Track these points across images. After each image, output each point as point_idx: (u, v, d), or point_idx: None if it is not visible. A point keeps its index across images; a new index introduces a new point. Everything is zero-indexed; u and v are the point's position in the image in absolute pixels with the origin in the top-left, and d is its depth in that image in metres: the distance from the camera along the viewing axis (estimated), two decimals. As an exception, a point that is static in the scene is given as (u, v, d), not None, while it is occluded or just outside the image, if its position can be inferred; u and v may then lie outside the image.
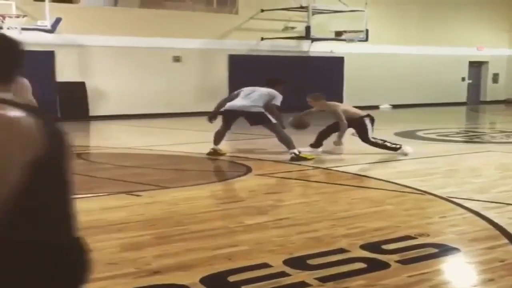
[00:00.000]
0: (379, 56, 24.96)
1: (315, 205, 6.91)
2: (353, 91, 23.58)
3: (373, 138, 10.64)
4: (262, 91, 10.37)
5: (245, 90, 10.53)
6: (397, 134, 13.84)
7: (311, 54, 23.56)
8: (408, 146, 10.77)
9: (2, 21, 16.99)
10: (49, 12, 17.60)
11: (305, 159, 9.91)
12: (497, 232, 5.54)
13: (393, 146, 10.60)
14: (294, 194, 7.73)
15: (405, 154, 10.44)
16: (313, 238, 5.34)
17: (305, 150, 10.40)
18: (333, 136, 10.71)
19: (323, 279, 4.24)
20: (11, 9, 17.26)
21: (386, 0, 24.73)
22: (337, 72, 24.07)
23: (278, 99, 10.38)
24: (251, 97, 10.30)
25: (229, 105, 10.38)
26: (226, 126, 10.56)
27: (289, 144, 10.05)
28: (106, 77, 19.68)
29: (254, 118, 10.29)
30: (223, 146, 10.79)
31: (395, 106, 24.67)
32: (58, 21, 17.71)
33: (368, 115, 10.73)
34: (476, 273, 4.56)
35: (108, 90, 19.76)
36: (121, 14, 19.92)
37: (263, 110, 10.20)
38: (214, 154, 10.45)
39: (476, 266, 4.65)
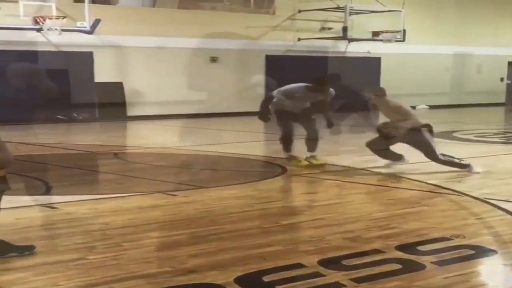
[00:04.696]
0: (417, 56, 24.76)
1: (350, 205, 6.90)
2: (390, 92, 23.25)
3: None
4: None
5: None
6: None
7: (348, 55, 23.48)
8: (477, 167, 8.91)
9: (42, 23, 17.24)
10: (88, 13, 17.82)
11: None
12: (535, 234, 5.48)
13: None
14: (329, 195, 7.72)
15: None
16: (348, 239, 5.33)
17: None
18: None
19: (357, 280, 4.24)
20: (51, 10, 17.50)
21: (423, 0, 24.55)
22: (374, 73, 23.94)
23: None
24: None
25: None
26: None
27: None
28: (143, 78, 19.83)
29: None
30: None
31: (432, 107, 24.43)
32: (97, 22, 17.91)
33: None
34: (512, 275, 4.52)
35: (145, 90, 19.91)
36: (159, 14, 20.06)
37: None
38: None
39: (513, 269, 4.61)
